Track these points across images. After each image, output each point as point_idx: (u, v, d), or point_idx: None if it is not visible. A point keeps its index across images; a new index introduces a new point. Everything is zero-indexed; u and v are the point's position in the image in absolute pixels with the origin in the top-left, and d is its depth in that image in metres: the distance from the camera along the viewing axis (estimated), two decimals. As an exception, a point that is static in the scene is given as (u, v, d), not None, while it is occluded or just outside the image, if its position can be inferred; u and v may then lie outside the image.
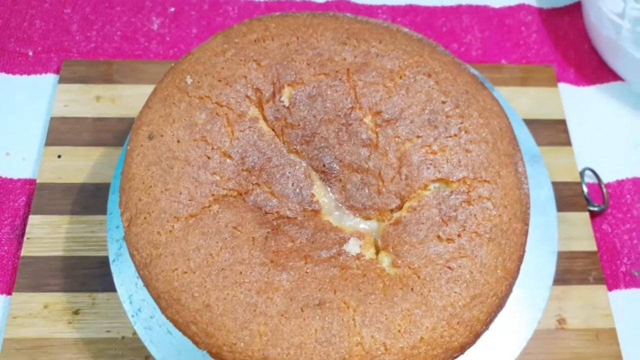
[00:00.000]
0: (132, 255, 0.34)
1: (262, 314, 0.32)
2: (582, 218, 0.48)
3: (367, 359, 0.31)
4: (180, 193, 0.35)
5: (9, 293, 0.44)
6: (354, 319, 0.32)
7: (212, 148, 0.36)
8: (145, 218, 0.34)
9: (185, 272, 0.33)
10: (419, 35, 0.41)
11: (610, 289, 0.47)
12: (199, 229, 0.34)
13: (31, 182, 0.49)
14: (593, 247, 0.47)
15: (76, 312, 0.43)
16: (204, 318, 0.32)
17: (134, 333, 0.42)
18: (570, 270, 0.46)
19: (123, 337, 0.42)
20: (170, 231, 0.34)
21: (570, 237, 0.47)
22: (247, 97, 0.38)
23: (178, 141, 0.36)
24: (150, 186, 0.35)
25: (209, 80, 0.38)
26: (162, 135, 0.36)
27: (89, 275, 0.44)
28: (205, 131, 0.36)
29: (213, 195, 0.35)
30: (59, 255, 0.45)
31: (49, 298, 0.43)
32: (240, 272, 0.33)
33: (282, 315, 0.32)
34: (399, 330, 0.32)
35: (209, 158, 0.36)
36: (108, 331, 0.42)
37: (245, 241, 0.34)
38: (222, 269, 0.33)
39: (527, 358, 0.42)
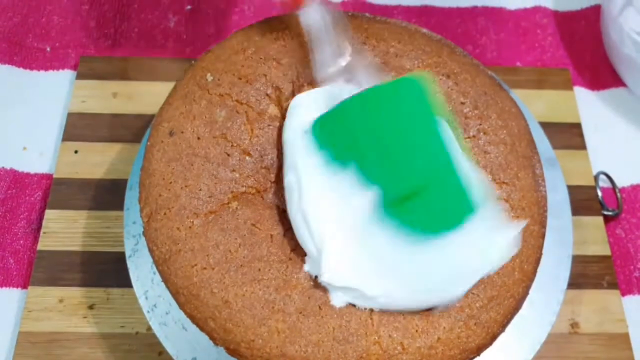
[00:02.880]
0: (151, 251, 0.34)
1: (281, 311, 0.32)
2: (596, 222, 0.48)
3: (384, 358, 0.31)
4: (200, 189, 0.35)
5: (25, 287, 0.45)
6: (371, 318, 0.32)
7: (232, 145, 0.36)
8: (165, 214, 0.34)
9: (205, 268, 0.33)
10: (438, 36, 0.42)
11: (623, 294, 0.47)
12: (218, 225, 0.34)
13: (48, 177, 0.49)
14: (607, 251, 0.47)
15: (91, 307, 0.43)
16: (223, 314, 0.32)
17: (148, 329, 0.42)
18: (584, 275, 0.46)
19: (137, 333, 0.42)
20: (190, 227, 0.34)
21: (584, 241, 0.47)
22: (267, 95, 0.38)
23: (198, 138, 0.36)
24: (171, 182, 0.35)
25: (229, 78, 0.38)
26: (182, 132, 0.36)
27: (104, 270, 0.44)
28: (225, 128, 0.36)
29: (232, 192, 0.35)
30: (74, 250, 0.45)
31: (64, 292, 0.44)
32: (259, 269, 0.33)
33: (300, 313, 0.32)
34: (417, 330, 0.32)
35: (228, 155, 0.36)
36: (122, 326, 0.43)
37: (263, 238, 0.34)
38: (241, 265, 0.33)
39: (540, 361, 0.42)
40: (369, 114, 0.34)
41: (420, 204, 0.32)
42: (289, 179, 0.34)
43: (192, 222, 0.34)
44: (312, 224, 0.32)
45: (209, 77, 0.38)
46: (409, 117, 0.34)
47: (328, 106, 0.36)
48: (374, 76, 0.37)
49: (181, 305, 0.33)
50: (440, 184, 0.33)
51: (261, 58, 0.39)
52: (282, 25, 0.40)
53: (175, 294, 0.34)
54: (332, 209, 0.33)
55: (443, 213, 0.32)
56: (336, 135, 0.34)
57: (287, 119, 0.36)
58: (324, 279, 0.32)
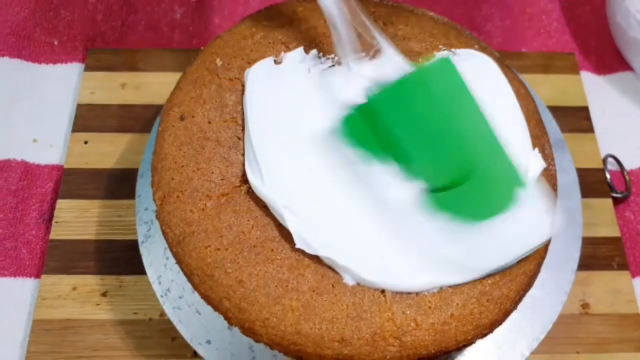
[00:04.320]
0: (164, 234, 0.35)
1: (294, 289, 0.32)
2: (605, 204, 0.48)
3: (398, 334, 0.32)
4: (212, 172, 0.35)
5: (38, 276, 0.45)
6: (384, 295, 0.33)
7: (243, 129, 0.36)
8: (177, 196, 0.35)
9: (218, 249, 0.33)
10: (445, 19, 0.42)
11: (633, 276, 0.47)
12: (230, 207, 0.34)
13: (58, 168, 0.50)
14: (616, 233, 0.47)
15: (104, 294, 0.43)
16: (237, 293, 0.32)
17: (161, 315, 0.42)
18: (594, 256, 0.46)
19: (150, 319, 0.43)
20: (203, 209, 0.34)
21: (594, 224, 0.47)
22: (276, 79, 0.38)
23: (209, 122, 0.36)
24: (183, 165, 0.35)
25: (238, 63, 0.38)
26: (193, 116, 0.36)
27: (116, 258, 0.45)
28: (235, 112, 0.37)
29: (244, 174, 0.35)
30: (86, 239, 0.46)
31: (78, 280, 0.44)
32: (272, 249, 0.33)
33: (314, 291, 0.32)
34: (430, 307, 0.32)
35: (239, 139, 0.36)
36: (135, 313, 0.43)
37: (275, 219, 0.34)
38: (254, 246, 0.33)
39: (552, 342, 0.42)
40: (406, 103, 0.32)
41: (468, 190, 0.31)
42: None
43: (205, 204, 0.34)
44: (274, 204, 0.33)
45: (219, 62, 0.38)
46: (448, 99, 0.32)
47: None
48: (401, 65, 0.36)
49: (195, 286, 0.34)
50: (489, 166, 0.31)
51: (270, 42, 0.39)
52: (290, 10, 0.40)
53: (189, 275, 0.34)
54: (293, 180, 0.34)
55: (494, 196, 0.31)
56: (369, 132, 0.33)
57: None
58: (297, 246, 0.33)
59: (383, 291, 0.33)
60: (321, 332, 0.31)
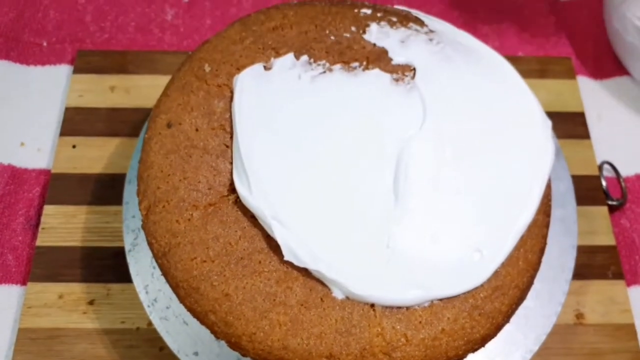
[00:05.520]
0: (150, 244, 0.34)
1: (282, 303, 0.32)
2: (600, 212, 0.48)
3: (387, 350, 0.31)
4: (199, 182, 0.34)
5: (24, 283, 0.44)
6: (374, 310, 0.32)
7: (231, 137, 0.36)
8: (163, 206, 0.34)
9: (204, 261, 0.33)
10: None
11: (628, 285, 0.46)
12: (217, 217, 0.33)
13: (46, 172, 0.49)
14: (612, 241, 0.47)
15: (91, 303, 0.43)
16: (223, 307, 0.32)
17: (149, 324, 0.42)
18: (589, 265, 0.46)
19: (138, 328, 0.42)
20: (189, 220, 0.33)
21: (589, 231, 0.47)
22: (265, 85, 0.38)
23: (196, 129, 0.36)
24: (169, 174, 0.35)
25: (227, 69, 0.37)
26: (180, 124, 0.36)
27: (103, 266, 0.44)
28: (223, 119, 0.36)
29: (232, 184, 0.35)
30: (73, 246, 0.45)
31: (64, 288, 0.43)
32: (260, 262, 0.33)
33: (302, 305, 0.32)
34: (420, 322, 0.32)
35: (227, 147, 0.35)
36: (122, 322, 0.42)
37: (264, 230, 0.33)
38: (241, 258, 0.33)
39: (546, 352, 0.41)
40: None
41: None
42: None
43: (192, 214, 0.34)
44: (262, 215, 0.33)
45: (207, 68, 0.37)
46: None
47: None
48: None
49: (181, 299, 0.33)
50: None
51: (259, 48, 0.38)
52: (281, 14, 0.40)
53: (175, 288, 0.33)
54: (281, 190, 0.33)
55: None
56: None
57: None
58: (285, 259, 0.32)
59: (373, 305, 0.32)
60: (309, 347, 0.31)
